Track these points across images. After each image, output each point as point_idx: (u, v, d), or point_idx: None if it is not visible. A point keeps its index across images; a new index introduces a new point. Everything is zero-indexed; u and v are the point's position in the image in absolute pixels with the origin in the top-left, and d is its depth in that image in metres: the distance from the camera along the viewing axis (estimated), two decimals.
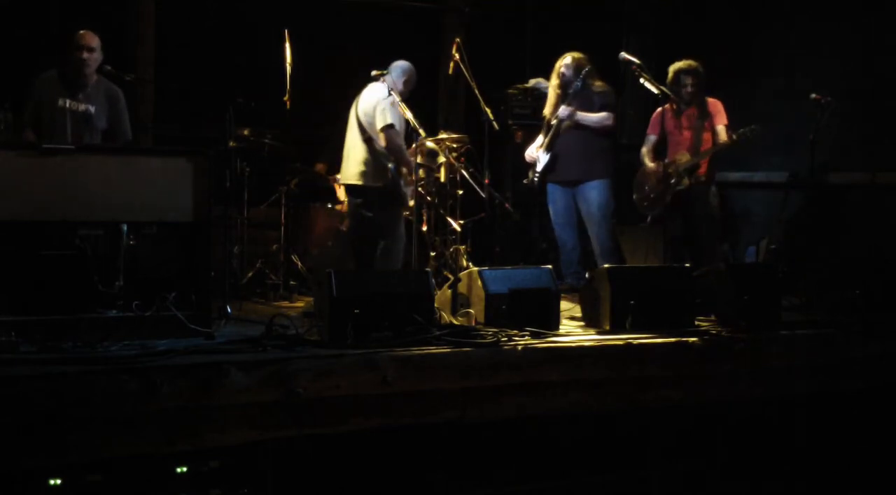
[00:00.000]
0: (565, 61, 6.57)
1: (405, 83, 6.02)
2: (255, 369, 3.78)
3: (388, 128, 5.78)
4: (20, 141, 5.02)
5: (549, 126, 6.61)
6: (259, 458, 3.83)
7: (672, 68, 6.37)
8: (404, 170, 5.95)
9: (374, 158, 5.88)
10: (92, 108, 5.24)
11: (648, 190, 6.44)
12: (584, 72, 6.41)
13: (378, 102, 5.83)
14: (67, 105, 5.20)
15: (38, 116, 5.15)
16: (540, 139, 6.82)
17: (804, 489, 4.81)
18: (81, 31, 5.24)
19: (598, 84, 6.52)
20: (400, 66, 6.06)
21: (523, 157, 6.94)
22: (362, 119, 5.86)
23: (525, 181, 6.80)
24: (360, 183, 6.00)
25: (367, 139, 5.86)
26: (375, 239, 6.15)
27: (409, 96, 5.99)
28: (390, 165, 5.87)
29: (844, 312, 5.42)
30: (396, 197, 5.95)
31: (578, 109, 6.46)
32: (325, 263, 6.52)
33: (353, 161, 6.00)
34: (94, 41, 5.24)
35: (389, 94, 5.78)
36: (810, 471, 4.83)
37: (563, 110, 6.45)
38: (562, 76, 6.56)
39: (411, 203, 6.03)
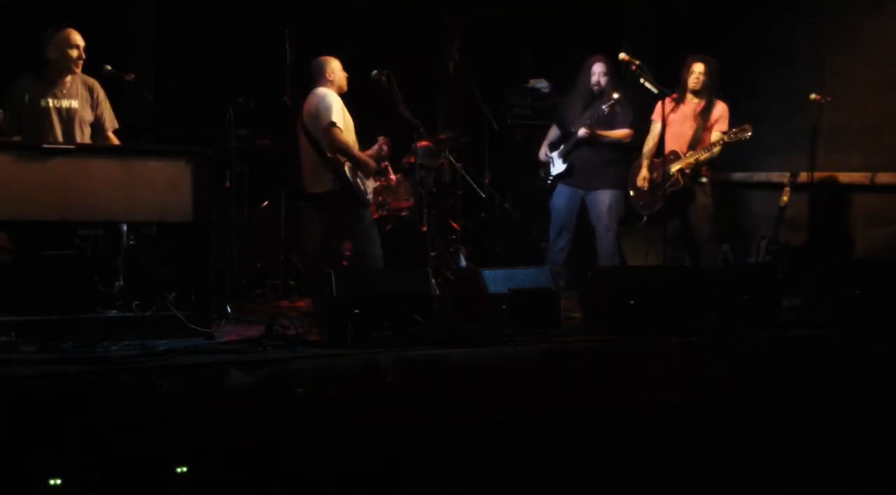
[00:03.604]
0: (600, 68, 6.49)
1: (331, 73, 5.79)
2: (255, 369, 3.79)
3: (331, 126, 5.58)
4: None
5: (570, 132, 6.58)
6: (259, 458, 3.82)
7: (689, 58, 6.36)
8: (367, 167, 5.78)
9: (322, 161, 5.69)
10: (75, 103, 5.23)
11: (644, 190, 6.43)
12: (612, 101, 6.35)
13: (318, 102, 5.67)
14: (51, 104, 5.18)
15: (22, 121, 5.14)
16: (552, 134, 6.78)
17: (804, 489, 4.81)
18: (71, 29, 5.20)
19: (621, 101, 6.46)
20: (318, 65, 5.84)
21: (523, 157, 6.94)
22: (307, 122, 5.71)
23: (538, 181, 6.81)
24: (313, 191, 5.79)
25: (313, 143, 5.70)
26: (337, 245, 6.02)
27: (388, 93, 5.86)
28: (347, 167, 5.69)
29: (844, 312, 5.42)
30: (353, 198, 5.74)
31: (601, 124, 6.44)
32: (324, 263, 6.53)
33: (304, 170, 5.83)
34: (81, 39, 5.22)
35: (321, 95, 5.66)
36: (810, 471, 4.82)
37: (583, 131, 6.43)
38: (595, 84, 6.50)
39: (370, 197, 5.90)
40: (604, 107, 6.36)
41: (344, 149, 5.63)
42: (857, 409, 4.93)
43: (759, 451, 4.77)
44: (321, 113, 5.62)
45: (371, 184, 5.92)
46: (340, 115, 5.65)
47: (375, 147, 6.05)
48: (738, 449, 4.74)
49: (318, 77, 5.80)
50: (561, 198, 6.66)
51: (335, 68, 5.79)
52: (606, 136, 6.44)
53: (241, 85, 6.45)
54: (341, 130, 5.62)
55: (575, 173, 6.58)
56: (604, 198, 6.52)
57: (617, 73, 6.50)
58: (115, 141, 5.39)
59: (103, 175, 4.37)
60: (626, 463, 4.55)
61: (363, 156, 5.78)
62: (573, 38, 7.64)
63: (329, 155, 5.64)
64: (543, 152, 6.76)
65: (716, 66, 6.29)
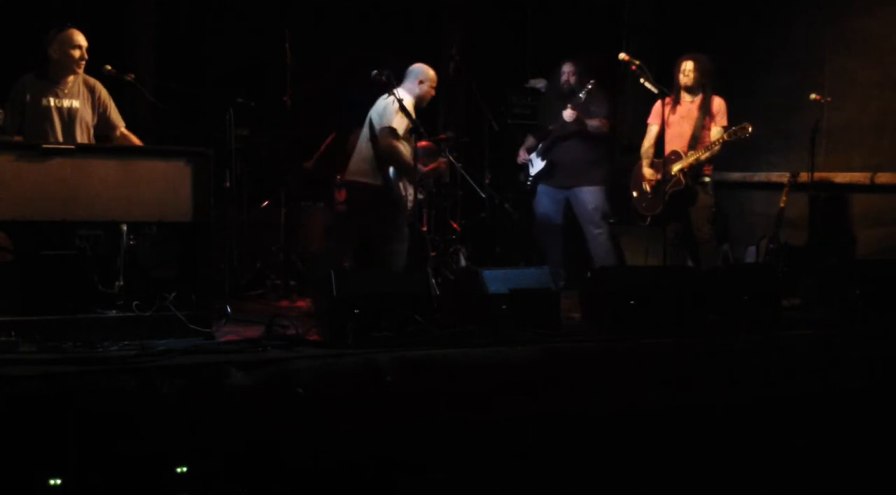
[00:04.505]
0: (569, 68, 6.59)
1: (420, 84, 5.86)
2: (255, 369, 3.78)
3: (386, 130, 5.63)
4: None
5: (547, 130, 6.60)
6: (259, 458, 3.82)
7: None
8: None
9: (377, 157, 5.73)
10: (76, 103, 5.23)
11: (646, 191, 6.44)
12: (588, 87, 6.40)
13: (389, 103, 5.70)
14: (52, 103, 5.17)
15: (23, 120, 5.13)
16: (529, 140, 6.83)
17: (804, 489, 4.81)
18: (73, 29, 5.19)
19: (595, 92, 6.51)
20: (414, 71, 5.92)
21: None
22: (374, 118, 5.77)
23: (521, 183, 6.84)
24: (357, 179, 5.83)
25: (374, 138, 5.74)
26: (367, 238, 6.03)
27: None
28: (393, 170, 5.72)
29: (844, 312, 5.42)
30: (391, 199, 5.75)
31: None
32: (324, 263, 6.53)
33: (356, 158, 5.87)
34: (84, 39, 5.21)
35: (394, 98, 5.63)
36: (810, 471, 4.82)
37: (569, 114, 6.43)
38: (564, 83, 6.57)
39: (410, 206, 5.96)
40: (581, 94, 6.42)
41: (393, 154, 5.66)
42: (858, 409, 4.93)
43: (758, 451, 4.77)
44: (387, 114, 5.66)
45: (412, 193, 5.94)
46: (404, 123, 5.66)
47: (434, 165, 6.20)
48: (738, 449, 4.74)
49: (406, 79, 5.85)
50: (544, 199, 6.68)
51: (427, 79, 5.84)
52: (589, 121, 6.46)
53: (241, 85, 6.45)
54: (398, 137, 5.65)
55: (555, 173, 6.61)
56: (588, 198, 6.54)
57: (590, 75, 6.54)
58: (132, 136, 5.38)
59: (103, 175, 4.37)
60: (626, 462, 4.55)
61: (410, 163, 5.80)
62: (573, 38, 7.64)
63: (382, 154, 5.68)
64: (521, 155, 6.79)
65: (706, 63, 6.28)
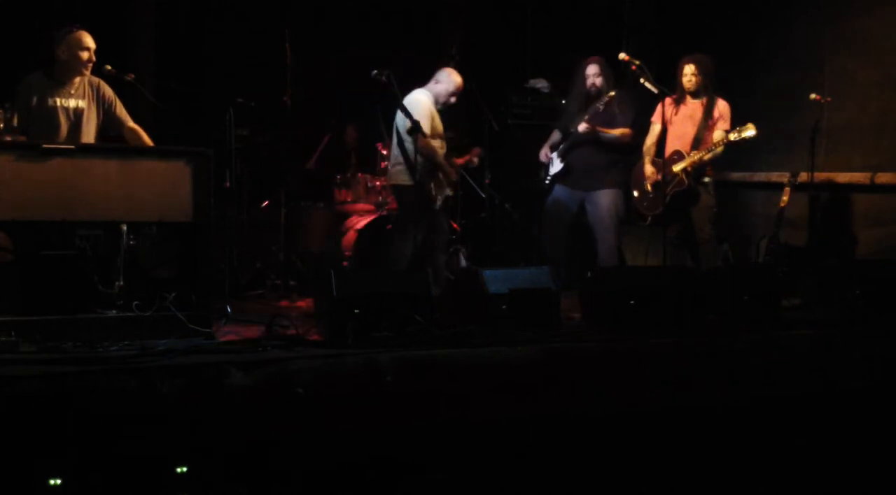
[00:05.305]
0: (594, 69, 6.49)
1: (439, 82, 6.04)
2: (255, 369, 3.78)
3: (416, 132, 5.69)
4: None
5: (569, 132, 6.57)
6: (259, 458, 3.82)
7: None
8: (440, 174, 5.95)
9: (405, 158, 5.84)
10: (82, 103, 5.22)
11: (647, 190, 6.43)
12: (607, 99, 6.36)
13: (408, 103, 5.78)
14: (58, 103, 5.17)
15: (29, 119, 5.12)
16: (554, 137, 6.78)
17: (804, 489, 4.80)
18: (83, 31, 5.19)
19: (619, 99, 6.44)
20: (439, 72, 6.11)
21: (524, 157, 6.93)
22: (398, 123, 5.85)
23: (536, 181, 6.81)
24: (395, 182, 5.96)
25: (400, 141, 5.84)
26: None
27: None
28: (423, 168, 5.80)
29: (844, 312, 5.42)
30: (421, 198, 5.86)
31: (600, 124, 6.41)
32: (325, 262, 6.54)
33: (392, 163, 6.00)
34: (92, 41, 5.21)
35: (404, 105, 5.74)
36: (810, 471, 4.82)
37: (583, 127, 6.40)
38: (591, 86, 6.50)
39: (438, 205, 6.00)
40: (599, 105, 6.37)
41: (427, 154, 5.77)
42: (858, 409, 4.92)
43: (758, 451, 4.76)
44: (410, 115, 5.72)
45: (443, 194, 6.00)
46: (428, 121, 5.78)
47: (467, 156, 6.33)
48: (738, 449, 4.74)
49: (430, 79, 6.05)
50: (559, 197, 6.65)
51: (444, 80, 6.02)
52: (605, 133, 6.42)
53: (241, 85, 6.45)
54: (425, 135, 5.73)
55: (573, 174, 6.57)
56: (603, 200, 6.50)
57: (613, 72, 6.49)
58: (141, 131, 5.36)
59: (103, 175, 4.37)
60: (626, 462, 4.55)
61: (445, 162, 5.93)
62: (573, 38, 7.64)
63: (410, 155, 5.77)
64: (544, 153, 6.76)
65: (707, 64, 6.26)
